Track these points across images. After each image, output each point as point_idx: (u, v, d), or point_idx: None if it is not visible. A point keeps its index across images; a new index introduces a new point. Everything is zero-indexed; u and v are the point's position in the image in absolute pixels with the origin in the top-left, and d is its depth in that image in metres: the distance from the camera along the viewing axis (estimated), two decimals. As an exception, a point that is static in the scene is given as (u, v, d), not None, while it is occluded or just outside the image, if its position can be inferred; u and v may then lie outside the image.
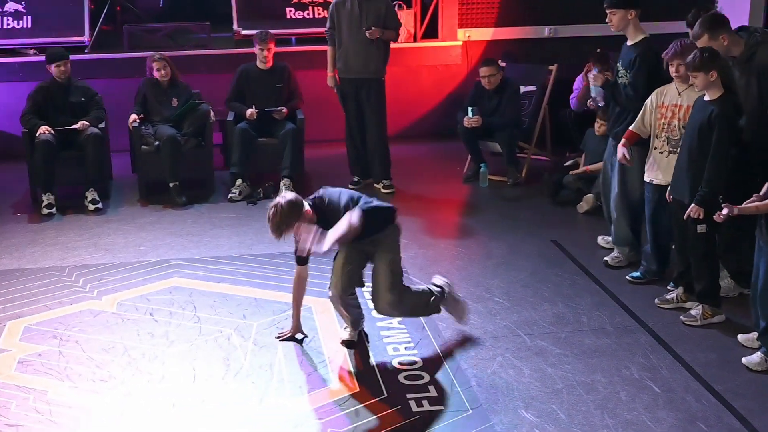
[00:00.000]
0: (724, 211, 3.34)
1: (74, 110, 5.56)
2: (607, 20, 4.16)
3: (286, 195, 3.30)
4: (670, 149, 3.93)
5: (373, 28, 5.45)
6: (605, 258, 4.50)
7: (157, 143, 5.55)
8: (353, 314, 3.62)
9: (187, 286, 4.24)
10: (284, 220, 3.22)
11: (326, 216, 3.33)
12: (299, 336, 3.67)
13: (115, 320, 3.87)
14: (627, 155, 4.08)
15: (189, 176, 5.68)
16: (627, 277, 4.26)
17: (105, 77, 6.36)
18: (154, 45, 6.60)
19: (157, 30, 7.03)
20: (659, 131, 3.98)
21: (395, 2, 6.72)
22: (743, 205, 3.32)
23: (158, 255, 4.66)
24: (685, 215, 3.65)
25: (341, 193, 3.43)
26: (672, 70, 3.90)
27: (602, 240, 4.73)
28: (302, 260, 3.53)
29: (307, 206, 3.30)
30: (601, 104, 4.87)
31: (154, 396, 3.25)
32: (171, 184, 5.53)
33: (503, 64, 6.34)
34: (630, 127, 4.10)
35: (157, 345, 3.64)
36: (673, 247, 4.09)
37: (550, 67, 6.19)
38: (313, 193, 3.46)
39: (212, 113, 5.73)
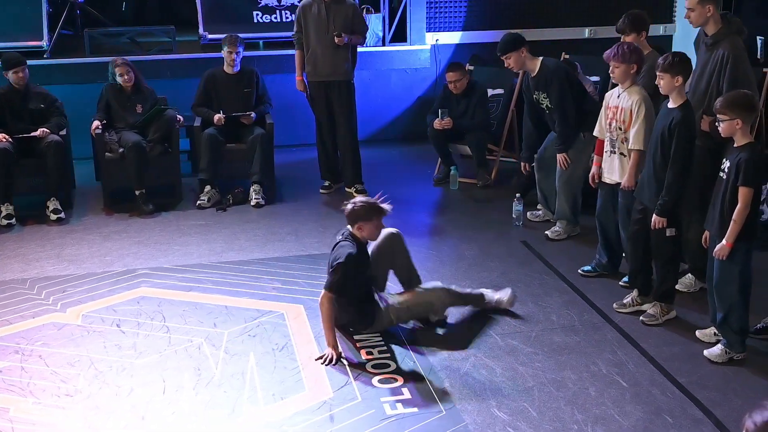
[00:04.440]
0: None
1: (33, 117, 5.41)
2: (506, 65, 4.71)
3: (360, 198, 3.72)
4: (611, 149, 4.05)
5: (342, 34, 5.42)
6: (546, 232, 4.87)
7: (121, 150, 5.43)
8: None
9: (155, 296, 4.15)
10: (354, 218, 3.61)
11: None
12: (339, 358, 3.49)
13: (81, 333, 3.76)
14: (597, 177, 4.20)
15: (155, 183, 5.58)
16: (579, 271, 4.34)
17: (65, 83, 6.22)
18: (117, 49, 6.48)
19: (119, 34, 6.91)
20: (607, 132, 4.09)
21: (363, 6, 6.70)
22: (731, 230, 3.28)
23: (124, 265, 4.56)
24: (652, 225, 3.69)
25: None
26: (610, 70, 3.98)
27: (531, 215, 5.14)
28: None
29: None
30: None
31: (122, 409, 3.16)
32: (137, 192, 5.42)
33: (471, 68, 6.37)
34: (594, 133, 4.20)
35: (124, 357, 3.55)
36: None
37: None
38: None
39: (179, 119, 5.64)
